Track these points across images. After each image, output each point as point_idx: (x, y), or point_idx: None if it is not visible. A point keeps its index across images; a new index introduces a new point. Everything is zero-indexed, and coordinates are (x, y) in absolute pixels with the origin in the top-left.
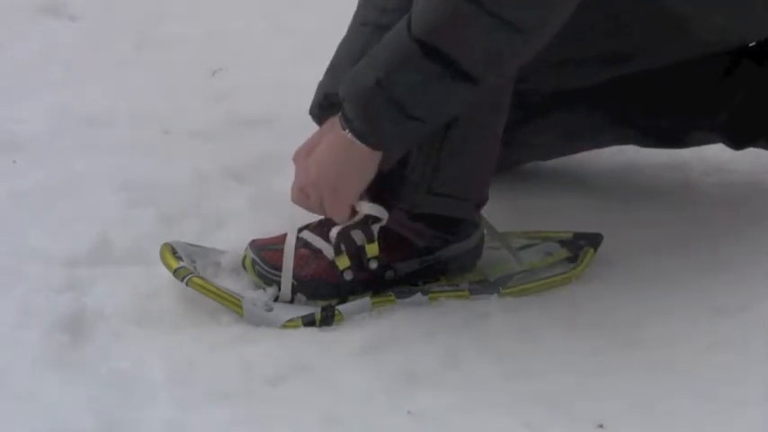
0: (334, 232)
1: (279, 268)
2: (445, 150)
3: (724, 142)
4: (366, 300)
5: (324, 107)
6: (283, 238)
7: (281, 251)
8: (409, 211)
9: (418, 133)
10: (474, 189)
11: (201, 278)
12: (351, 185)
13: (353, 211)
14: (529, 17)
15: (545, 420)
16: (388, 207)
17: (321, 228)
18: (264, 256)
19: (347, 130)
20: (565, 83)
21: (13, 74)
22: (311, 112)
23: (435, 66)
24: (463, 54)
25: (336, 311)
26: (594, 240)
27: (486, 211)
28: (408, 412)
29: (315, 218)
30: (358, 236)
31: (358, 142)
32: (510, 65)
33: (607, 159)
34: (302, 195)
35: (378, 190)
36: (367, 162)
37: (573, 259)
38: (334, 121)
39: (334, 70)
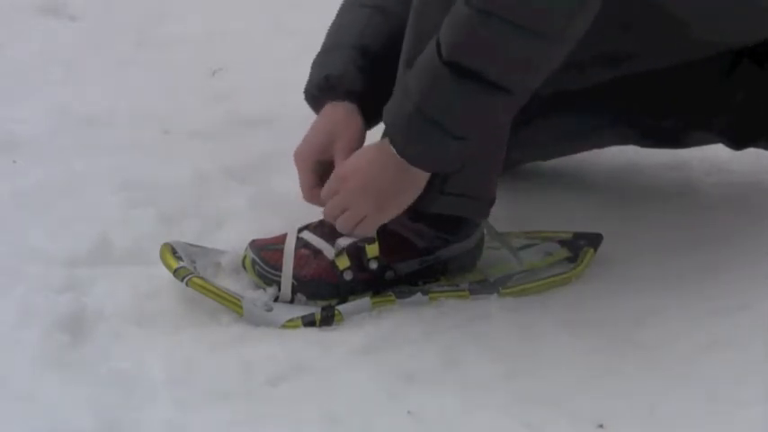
0: (343, 243)
1: (279, 268)
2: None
3: (724, 142)
4: (366, 300)
5: (323, 89)
6: (283, 238)
7: (281, 251)
8: (421, 210)
9: (468, 150)
10: (485, 188)
11: (201, 278)
12: (399, 206)
13: None
14: (551, 24)
15: (545, 420)
16: None
17: (321, 228)
18: (264, 256)
19: (399, 156)
20: (566, 84)
21: (13, 74)
22: (308, 94)
23: (469, 84)
24: (491, 67)
25: (336, 311)
26: (594, 240)
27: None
28: (408, 412)
29: (315, 218)
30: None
31: (411, 167)
32: (541, 71)
33: (607, 159)
34: (334, 207)
35: None
36: (419, 182)
37: (573, 259)
38: (381, 145)
39: (333, 51)
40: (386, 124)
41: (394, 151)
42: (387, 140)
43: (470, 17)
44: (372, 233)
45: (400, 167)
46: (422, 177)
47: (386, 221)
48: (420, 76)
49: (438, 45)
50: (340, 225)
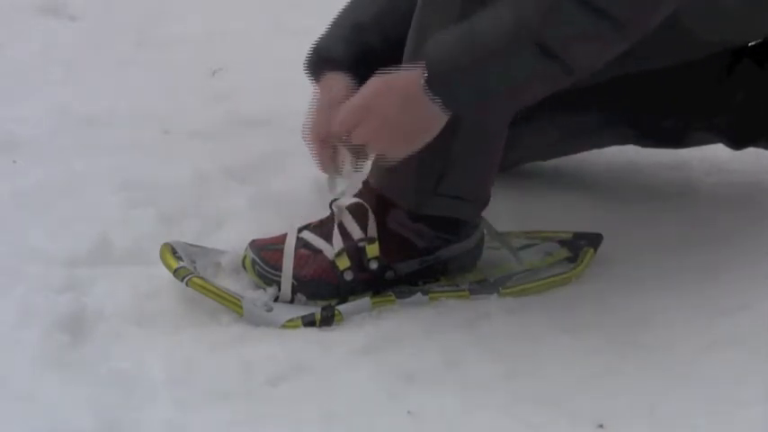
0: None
1: (279, 268)
2: (453, 152)
3: (724, 142)
4: (366, 300)
5: (314, 61)
6: (283, 238)
7: (281, 251)
8: (414, 211)
9: (504, 107)
10: (480, 190)
11: (201, 278)
12: (412, 146)
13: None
14: (629, 14)
15: (545, 420)
16: (390, 205)
17: (321, 228)
18: (264, 256)
19: (429, 93)
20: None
21: (13, 74)
22: (305, 68)
23: (542, 58)
24: (566, 47)
25: (336, 311)
26: (594, 240)
27: (486, 211)
28: (408, 412)
29: (315, 218)
30: (356, 232)
31: (434, 106)
32: (604, 57)
33: (607, 159)
34: (347, 122)
35: (382, 190)
36: (437, 123)
37: (573, 259)
38: (407, 78)
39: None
40: (432, 62)
41: (422, 90)
42: (417, 77)
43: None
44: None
45: (425, 107)
46: (440, 122)
47: (394, 159)
48: (490, 35)
49: (518, 13)
50: (355, 137)
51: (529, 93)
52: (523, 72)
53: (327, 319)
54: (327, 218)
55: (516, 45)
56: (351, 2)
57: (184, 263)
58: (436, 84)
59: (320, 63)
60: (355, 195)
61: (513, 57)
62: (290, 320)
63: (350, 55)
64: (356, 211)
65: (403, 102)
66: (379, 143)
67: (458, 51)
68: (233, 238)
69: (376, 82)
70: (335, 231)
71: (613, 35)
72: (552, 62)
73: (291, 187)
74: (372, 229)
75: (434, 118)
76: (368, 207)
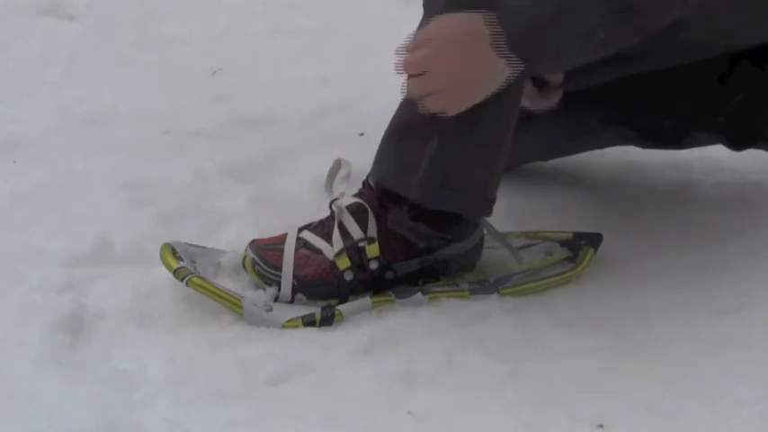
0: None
1: (279, 268)
2: (462, 146)
3: (724, 143)
4: (366, 300)
5: None
6: (283, 238)
7: (281, 251)
8: (419, 204)
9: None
10: (486, 187)
11: (201, 278)
12: (474, 94)
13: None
14: None
15: (545, 420)
16: (390, 205)
17: (321, 228)
18: (264, 256)
19: (503, 48)
20: (568, 85)
21: (13, 74)
22: None
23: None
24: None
25: (336, 311)
26: (594, 240)
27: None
28: (408, 412)
29: (315, 218)
30: (356, 232)
31: (501, 59)
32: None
33: (607, 159)
34: (414, 65)
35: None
36: (500, 77)
37: (573, 259)
38: (475, 24)
39: None
40: (505, 16)
41: (490, 38)
42: (483, 25)
43: None
44: (443, 108)
45: (490, 55)
46: (504, 74)
47: (455, 110)
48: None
49: None
50: (411, 88)
51: (597, 48)
52: (594, 24)
53: (327, 319)
54: (327, 218)
55: None
56: None
57: (184, 263)
58: (515, 42)
59: None
60: (355, 195)
61: (585, 7)
62: (290, 320)
63: None
64: (356, 211)
65: (467, 51)
66: (441, 86)
67: (532, 5)
68: (233, 238)
69: (444, 24)
70: (335, 231)
71: None
72: (621, 15)
73: (291, 187)
74: (372, 229)
75: (499, 72)
76: (368, 207)
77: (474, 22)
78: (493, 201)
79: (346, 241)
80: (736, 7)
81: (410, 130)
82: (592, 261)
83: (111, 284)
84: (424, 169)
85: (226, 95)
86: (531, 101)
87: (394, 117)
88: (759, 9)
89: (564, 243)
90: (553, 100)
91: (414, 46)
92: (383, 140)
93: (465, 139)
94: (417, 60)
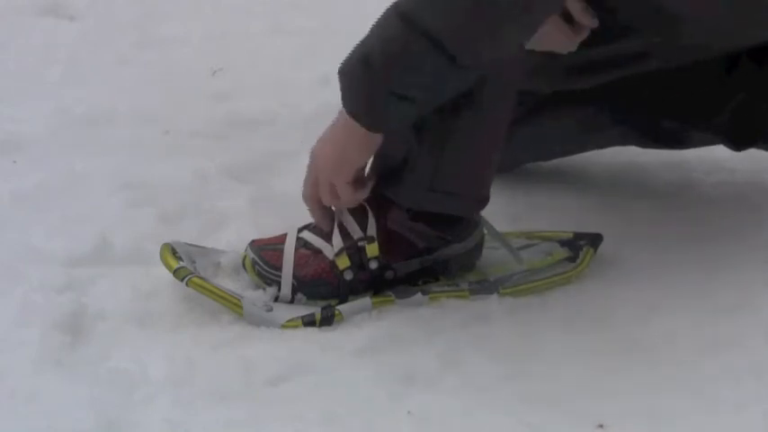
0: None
1: (279, 268)
2: (448, 147)
3: (724, 143)
4: (366, 300)
5: None
6: (283, 238)
7: (281, 251)
8: (410, 208)
9: (406, 112)
10: (476, 187)
11: (201, 278)
12: (350, 164)
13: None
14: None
15: (545, 420)
16: (390, 205)
17: (321, 228)
18: (264, 256)
19: (343, 110)
20: (570, 84)
21: (13, 74)
22: None
23: (418, 40)
24: (444, 30)
25: (336, 311)
26: (594, 240)
27: (486, 211)
28: (408, 412)
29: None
30: (356, 232)
31: (352, 121)
32: (486, 50)
33: (607, 159)
34: (312, 188)
35: (379, 187)
36: (364, 141)
37: (573, 259)
38: (338, 120)
39: None
40: (339, 73)
41: (346, 116)
42: (339, 122)
43: None
44: (351, 203)
45: (348, 127)
46: (364, 137)
47: (344, 181)
48: (376, 28)
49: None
50: (315, 199)
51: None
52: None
53: (327, 319)
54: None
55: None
56: None
57: (184, 263)
58: (358, 115)
59: None
60: None
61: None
62: (290, 320)
63: None
64: (356, 211)
65: (334, 150)
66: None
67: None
68: (233, 238)
69: (314, 148)
70: (335, 231)
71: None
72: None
73: (291, 187)
74: (372, 229)
75: (369, 139)
76: (367, 207)
77: (331, 130)
78: (485, 200)
79: (346, 241)
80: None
81: (396, 134)
82: (592, 261)
83: (111, 284)
84: (409, 174)
85: (226, 95)
86: (565, 36)
87: None
88: (754, 10)
89: (564, 243)
90: (585, 34)
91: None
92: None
93: (445, 145)
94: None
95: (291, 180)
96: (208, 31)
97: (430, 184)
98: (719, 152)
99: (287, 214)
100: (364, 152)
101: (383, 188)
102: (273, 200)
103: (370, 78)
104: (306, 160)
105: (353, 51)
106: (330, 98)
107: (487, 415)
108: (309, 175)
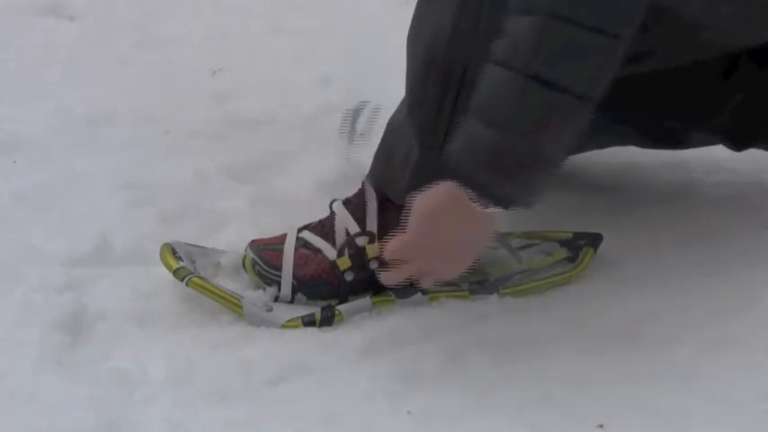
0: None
1: (279, 268)
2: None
3: (724, 143)
4: (366, 300)
5: None
6: (283, 238)
7: (281, 251)
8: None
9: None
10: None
11: (201, 278)
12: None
13: None
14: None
15: (545, 420)
16: (390, 205)
17: (321, 228)
18: (264, 256)
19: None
20: None
21: (13, 74)
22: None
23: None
24: (574, 83)
25: (336, 311)
26: (594, 240)
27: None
28: (408, 412)
29: (315, 218)
30: (361, 239)
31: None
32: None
33: (607, 159)
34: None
35: (379, 188)
36: (490, 224)
37: (573, 259)
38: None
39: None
40: (455, 170)
41: (465, 204)
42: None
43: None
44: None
45: (472, 213)
46: (494, 221)
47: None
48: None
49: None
50: (388, 277)
51: (557, 135)
52: (536, 112)
53: (327, 319)
54: (327, 218)
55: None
56: None
57: (184, 263)
58: (479, 194)
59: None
60: (354, 195)
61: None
62: (290, 320)
63: None
64: (356, 211)
65: (452, 225)
66: (440, 272)
67: (476, 148)
68: (233, 238)
69: (418, 210)
70: (336, 231)
71: (608, 44)
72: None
73: (291, 187)
74: (372, 225)
75: (487, 221)
76: (367, 207)
77: (448, 191)
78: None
79: (347, 242)
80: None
81: (396, 135)
82: (592, 261)
83: (111, 284)
84: (408, 175)
85: (226, 95)
86: None
87: (389, 120)
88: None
89: (564, 243)
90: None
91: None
92: (379, 143)
93: (445, 146)
94: (398, 251)
95: (291, 180)
96: (208, 31)
97: (429, 184)
98: (719, 152)
99: (287, 214)
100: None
101: (383, 188)
102: (273, 200)
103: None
104: (306, 160)
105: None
106: (330, 98)
107: (487, 414)
108: (396, 250)
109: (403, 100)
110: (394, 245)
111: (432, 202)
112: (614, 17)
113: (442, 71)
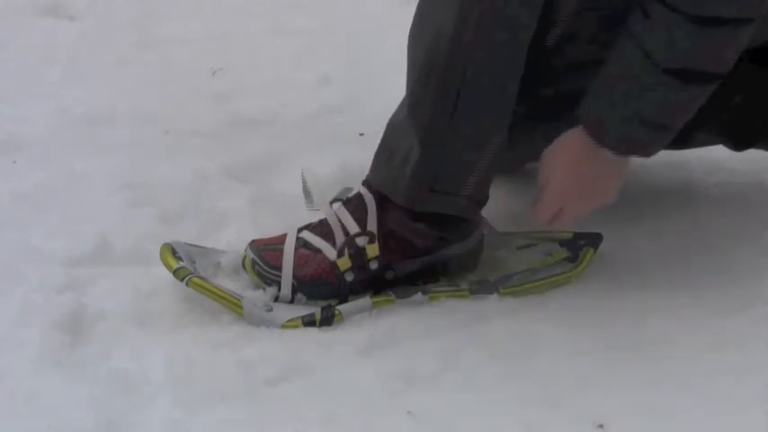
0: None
1: (279, 268)
2: (447, 148)
3: (724, 143)
4: (366, 300)
5: None
6: (283, 238)
7: (281, 251)
8: (410, 209)
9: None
10: (476, 187)
11: (201, 278)
12: (609, 193)
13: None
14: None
15: (545, 420)
16: (390, 205)
17: (321, 228)
18: (264, 256)
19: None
20: (570, 83)
21: (13, 74)
22: None
23: (693, 85)
24: (714, 65)
25: (336, 311)
26: (594, 240)
27: (486, 211)
28: (408, 412)
29: (315, 218)
30: (361, 239)
31: (615, 157)
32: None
33: None
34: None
35: (379, 188)
36: (625, 167)
37: (573, 259)
38: (578, 145)
39: None
40: (597, 129)
41: (595, 148)
42: (584, 140)
43: (688, 26)
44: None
45: (606, 160)
46: (626, 162)
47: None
48: (633, 85)
49: (647, 55)
50: (559, 225)
51: (689, 107)
52: (672, 96)
53: (327, 319)
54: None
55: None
56: None
57: (184, 263)
58: (610, 140)
59: None
60: (354, 195)
61: (658, 89)
62: (290, 320)
63: None
64: (356, 211)
65: (587, 170)
66: (583, 211)
67: (608, 101)
68: (233, 238)
69: (554, 162)
70: (336, 232)
71: (748, 30)
72: (700, 83)
73: (291, 187)
74: (372, 225)
75: (618, 165)
76: (367, 207)
77: (580, 138)
78: (484, 200)
79: (347, 242)
80: None
81: (396, 134)
82: (592, 261)
83: (111, 284)
84: (410, 174)
85: (226, 95)
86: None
87: (389, 120)
88: None
89: (564, 243)
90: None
91: (550, 213)
92: (379, 143)
93: (446, 145)
94: (549, 209)
95: (291, 180)
96: (208, 31)
97: (430, 184)
98: (719, 152)
99: (287, 214)
100: (623, 176)
101: (383, 188)
102: (273, 200)
103: (646, 132)
104: (306, 160)
105: (616, 113)
106: (330, 98)
107: (487, 414)
108: (552, 203)
109: (403, 100)
110: (547, 197)
111: (569, 150)
112: None
113: (443, 71)
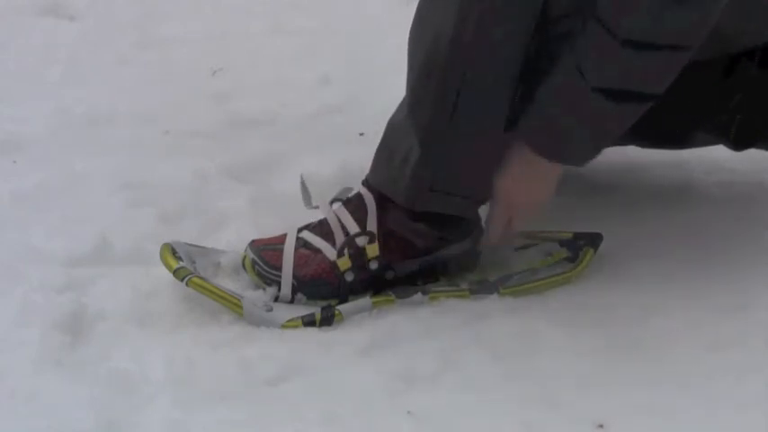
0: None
1: (279, 268)
2: (447, 148)
3: (724, 143)
4: (366, 300)
5: None
6: (283, 238)
7: (281, 251)
8: (410, 209)
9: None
10: (476, 187)
11: (201, 278)
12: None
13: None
14: (687, 39)
15: (545, 420)
16: (390, 204)
17: (321, 228)
18: (264, 256)
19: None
20: None
21: (13, 74)
22: None
23: (625, 103)
24: (645, 85)
25: (336, 311)
26: (594, 240)
27: (486, 211)
28: (408, 412)
29: (315, 218)
30: (361, 239)
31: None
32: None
33: (607, 159)
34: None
35: (379, 188)
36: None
37: (573, 259)
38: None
39: None
40: (531, 143)
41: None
42: (522, 149)
43: (619, 50)
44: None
45: (545, 168)
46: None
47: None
48: (563, 103)
49: (580, 73)
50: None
51: (619, 122)
52: (601, 112)
53: (327, 319)
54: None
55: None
56: None
57: (184, 263)
58: (546, 152)
59: None
60: (354, 195)
61: (589, 103)
62: (290, 320)
63: None
64: (356, 211)
65: (519, 170)
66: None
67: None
68: (233, 238)
69: (502, 184)
70: (336, 232)
71: (682, 57)
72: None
73: (291, 187)
74: (372, 225)
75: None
76: (368, 207)
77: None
78: (484, 200)
79: (347, 242)
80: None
81: (396, 134)
82: (592, 261)
83: (111, 284)
84: (410, 174)
85: (226, 95)
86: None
87: (389, 120)
88: (758, 12)
89: (564, 243)
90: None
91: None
92: (379, 143)
93: (446, 145)
94: (500, 220)
95: (291, 180)
96: (208, 31)
97: (430, 184)
98: (719, 152)
99: (287, 214)
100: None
101: (383, 188)
102: (273, 200)
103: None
104: (306, 160)
105: (545, 124)
106: (330, 98)
107: (487, 414)
108: (501, 216)
109: (403, 100)
110: (499, 231)
111: (509, 164)
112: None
113: (443, 71)
